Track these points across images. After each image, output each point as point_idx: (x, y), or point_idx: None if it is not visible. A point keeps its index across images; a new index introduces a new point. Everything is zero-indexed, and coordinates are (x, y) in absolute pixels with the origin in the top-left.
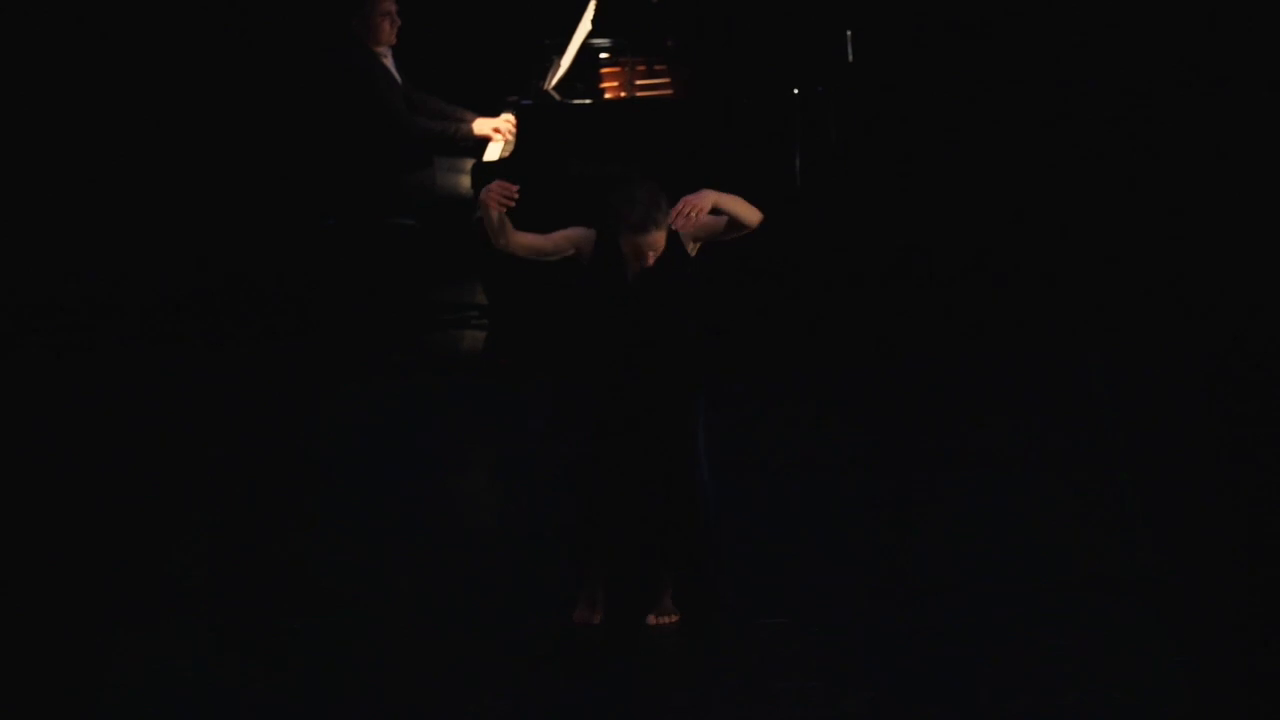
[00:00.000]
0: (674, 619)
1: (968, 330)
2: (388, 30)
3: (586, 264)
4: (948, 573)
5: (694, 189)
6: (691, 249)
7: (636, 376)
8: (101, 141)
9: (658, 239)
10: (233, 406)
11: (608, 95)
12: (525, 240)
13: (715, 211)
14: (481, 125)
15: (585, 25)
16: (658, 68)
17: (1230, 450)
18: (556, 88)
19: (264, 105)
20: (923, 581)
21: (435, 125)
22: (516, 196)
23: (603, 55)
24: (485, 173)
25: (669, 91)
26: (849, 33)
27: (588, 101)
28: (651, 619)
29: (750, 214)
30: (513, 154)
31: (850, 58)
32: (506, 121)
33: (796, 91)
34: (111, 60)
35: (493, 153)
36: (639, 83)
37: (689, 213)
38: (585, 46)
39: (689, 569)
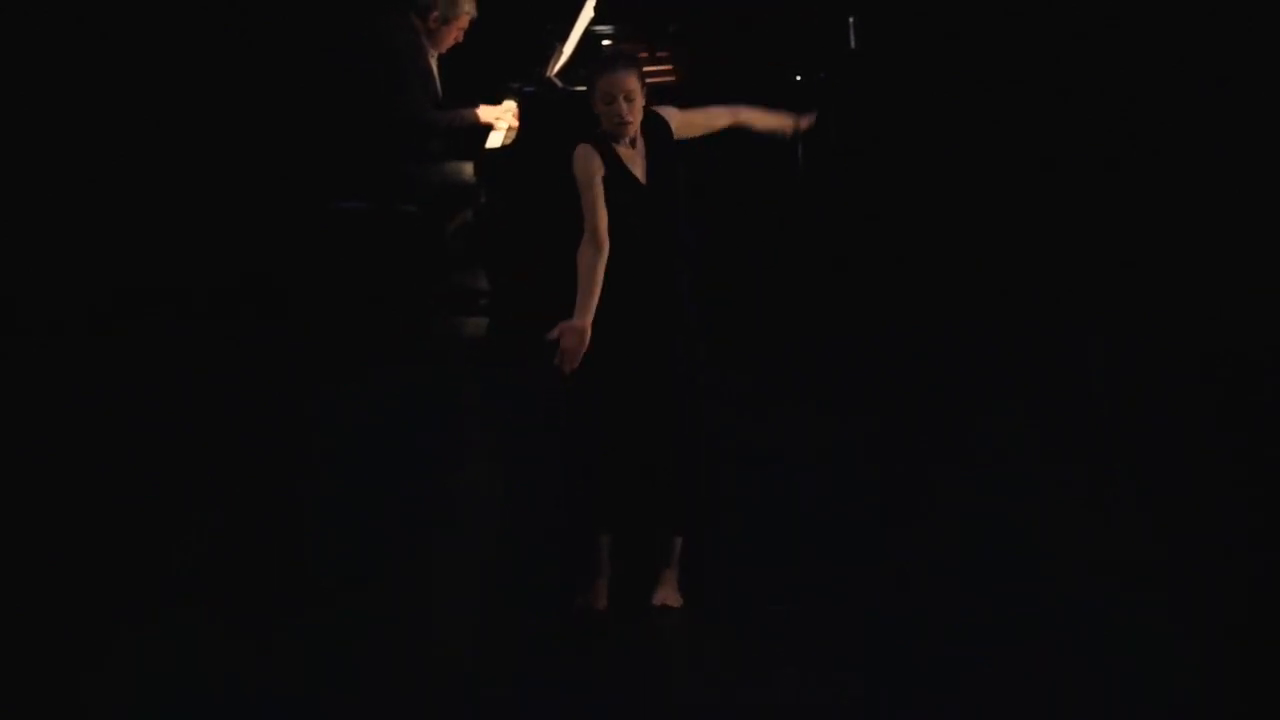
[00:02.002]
0: (678, 603)
1: (969, 321)
2: (450, 43)
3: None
4: (949, 563)
5: (695, 179)
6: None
7: (652, 277)
8: (102, 134)
9: (629, 81)
10: (233, 398)
11: None
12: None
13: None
14: (486, 113)
15: (588, 11)
16: (660, 54)
17: (1231, 441)
18: (559, 74)
19: (269, 93)
20: (924, 571)
21: (442, 117)
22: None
23: (605, 42)
24: (489, 159)
25: (671, 78)
26: (851, 20)
27: None
28: (656, 600)
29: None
30: (515, 141)
31: (853, 44)
32: (509, 109)
33: (798, 79)
34: (114, 48)
35: (495, 140)
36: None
37: None
38: (588, 33)
39: (681, 480)
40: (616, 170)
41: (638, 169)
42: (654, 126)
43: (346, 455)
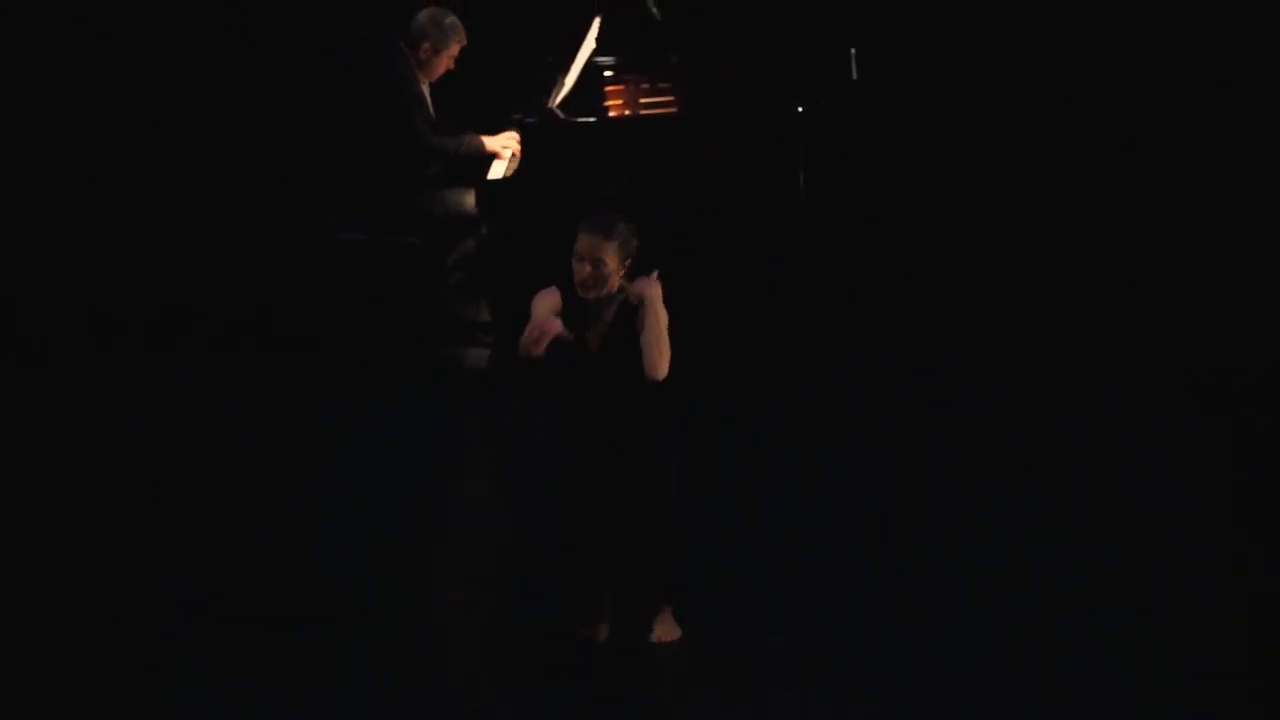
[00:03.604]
0: (676, 636)
1: (969, 343)
2: (442, 71)
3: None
4: (949, 587)
5: (697, 206)
6: None
7: (599, 424)
8: (112, 148)
9: (596, 248)
10: (237, 417)
11: (612, 113)
12: None
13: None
14: (492, 142)
15: (589, 43)
16: (661, 85)
17: (1231, 462)
18: (561, 106)
19: (277, 115)
20: (924, 596)
21: (449, 142)
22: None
23: (607, 73)
24: (490, 190)
25: (673, 109)
26: (853, 50)
27: (592, 119)
28: (655, 636)
29: (653, 357)
30: (517, 172)
31: (854, 75)
32: (511, 139)
33: (800, 109)
34: (120, 67)
35: (497, 171)
36: (643, 100)
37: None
38: (589, 64)
39: (643, 581)
40: (576, 322)
41: (596, 334)
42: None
43: (351, 475)
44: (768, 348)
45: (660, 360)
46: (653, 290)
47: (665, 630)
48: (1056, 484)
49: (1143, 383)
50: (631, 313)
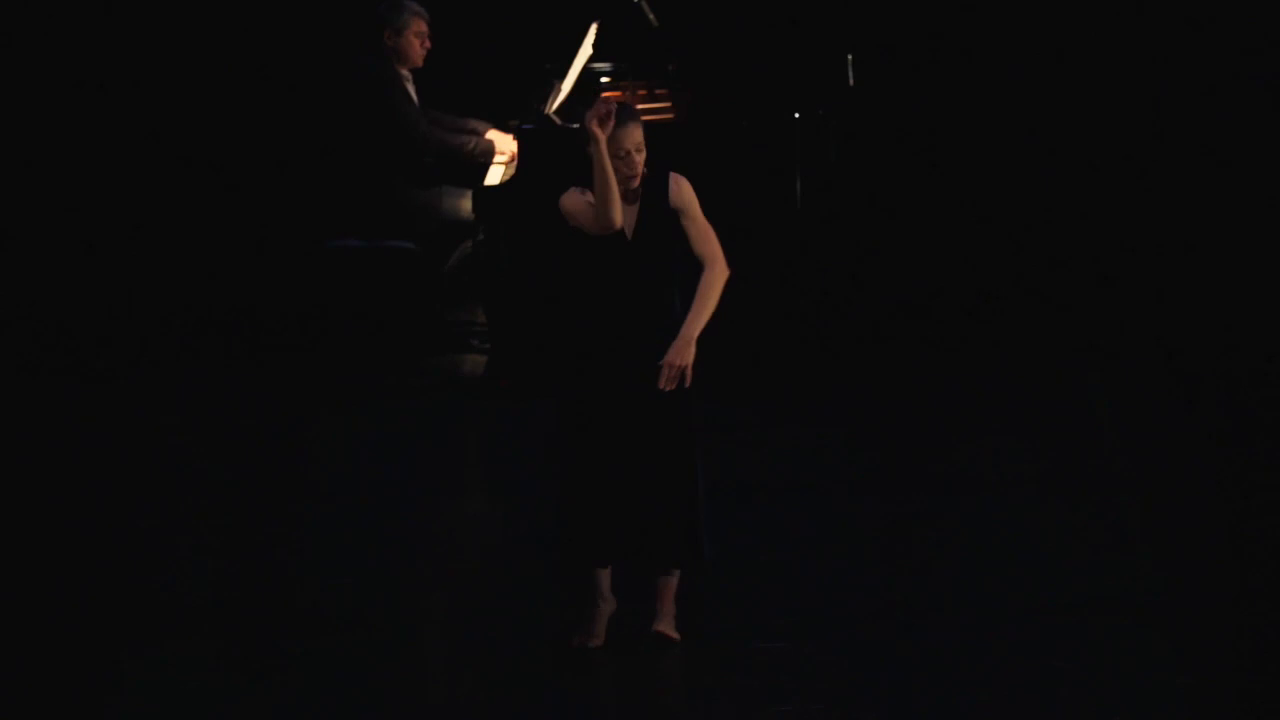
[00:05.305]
0: (675, 636)
1: (968, 351)
2: (417, 52)
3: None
4: (948, 595)
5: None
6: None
7: (631, 329)
8: (109, 153)
9: (637, 134)
10: (235, 426)
11: None
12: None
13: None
14: (498, 138)
15: (586, 49)
16: (659, 91)
17: (1229, 470)
18: (557, 112)
19: (274, 123)
20: (923, 603)
21: (452, 139)
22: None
23: (604, 79)
24: (486, 196)
25: (670, 115)
26: (850, 56)
27: None
28: (655, 628)
29: (712, 248)
30: (514, 178)
31: (851, 81)
32: (509, 144)
33: (797, 115)
34: (120, 71)
35: (494, 176)
36: (640, 106)
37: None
38: (586, 70)
39: (678, 523)
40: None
41: (628, 221)
42: (657, 185)
43: (349, 484)
44: (767, 352)
45: (716, 244)
46: (687, 189)
47: (665, 626)
48: (1057, 490)
49: (1142, 390)
50: (657, 190)
